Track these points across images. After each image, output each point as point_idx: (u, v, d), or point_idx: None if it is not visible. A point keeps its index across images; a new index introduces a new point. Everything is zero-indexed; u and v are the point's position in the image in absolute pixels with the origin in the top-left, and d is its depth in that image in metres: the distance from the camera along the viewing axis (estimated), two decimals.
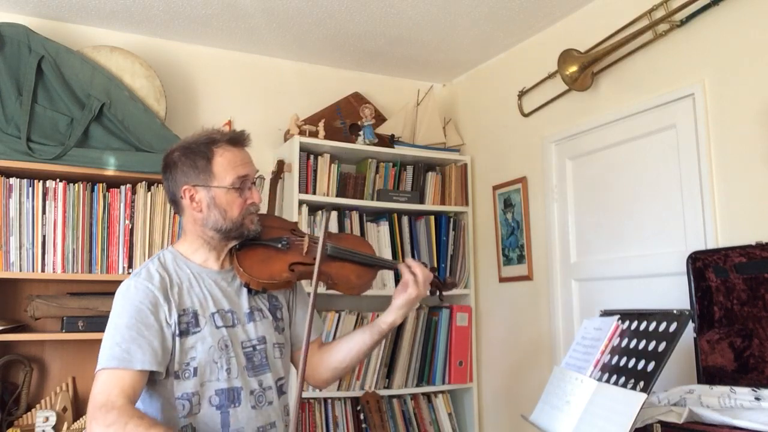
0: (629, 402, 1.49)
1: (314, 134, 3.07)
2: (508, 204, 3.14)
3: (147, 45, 3.02)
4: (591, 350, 1.79)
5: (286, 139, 3.14)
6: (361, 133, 3.18)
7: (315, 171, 3.05)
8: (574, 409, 1.67)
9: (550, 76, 2.88)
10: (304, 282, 1.83)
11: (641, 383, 1.51)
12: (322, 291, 1.79)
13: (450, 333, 3.21)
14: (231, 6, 2.75)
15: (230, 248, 1.67)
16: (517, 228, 3.07)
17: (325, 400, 2.97)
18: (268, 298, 1.71)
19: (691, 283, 2.09)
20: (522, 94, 3.07)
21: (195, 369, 1.51)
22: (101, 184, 2.65)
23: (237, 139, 1.63)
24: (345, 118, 3.30)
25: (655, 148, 2.42)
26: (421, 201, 3.29)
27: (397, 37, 3.07)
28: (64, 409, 2.55)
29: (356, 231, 3.12)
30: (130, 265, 2.65)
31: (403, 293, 1.71)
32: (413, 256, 3.21)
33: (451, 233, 3.32)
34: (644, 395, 1.47)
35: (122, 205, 2.67)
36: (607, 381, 1.64)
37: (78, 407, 2.63)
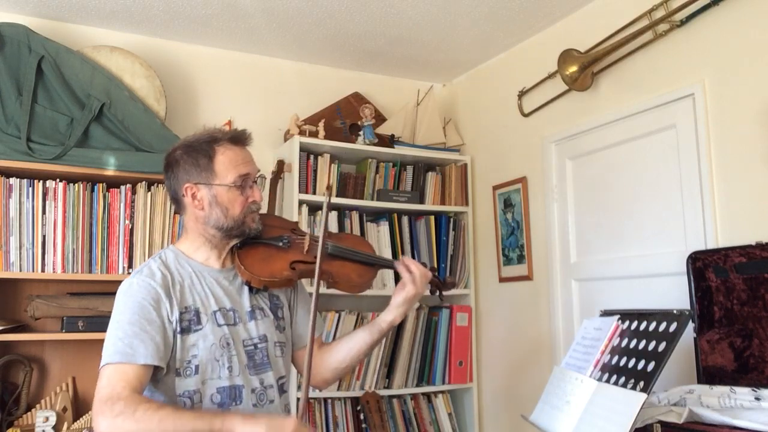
0: (629, 402, 1.49)
1: (314, 134, 3.07)
2: (508, 204, 3.14)
3: (147, 45, 3.02)
4: (591, 350, 1.79)
5: (286, 139, 3.14)
6: (361, 133, 3.18)
7: (315, 171, 3.05)
8: (574, 409, 1.67)
9: (550, 76, 2.88)
10: (304, 281, 1.84)
11: (641, 383, 1.51)
12: (322, 290, 1.80)
13: (450, 333, 3.21)
14: (231, 6, 2.75)
15: (231, 247, 1.67)
16: (517, 228, 3.07)
17: (325, 400, 2.97)
18: (270, 297, 1.72)
19: (691, 283, 2.09)
20: (522, 94, 3.07)
21: (196, 366, 1.52)
22: (101, 184, 2.65)
23: (239, 138, 1.65)
24: (345, 118, 3.30)
25: (655, 148, 2.42)
26: (421, 201, 3.29)
27: (397, 37, 3.07)
28: (64, 409, 2.55)
29: (356, 231, 3.13)
30: (130, 265, 2.65)
31: (401, 291, 1.72)
32: (413, 256, 3.21)
33: (451, 233, 3.32)
34: (644, 395, 1.47)
35: (122, 205, 2.67)
36: (607, 381, 1.64)
37: (78, 407, 2.63)
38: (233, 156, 1.61)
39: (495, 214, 3.21)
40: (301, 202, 2.96)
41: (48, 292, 2.65)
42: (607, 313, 1.89)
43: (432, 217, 3.30)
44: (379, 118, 3.35)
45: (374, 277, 1.82)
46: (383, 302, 1.84)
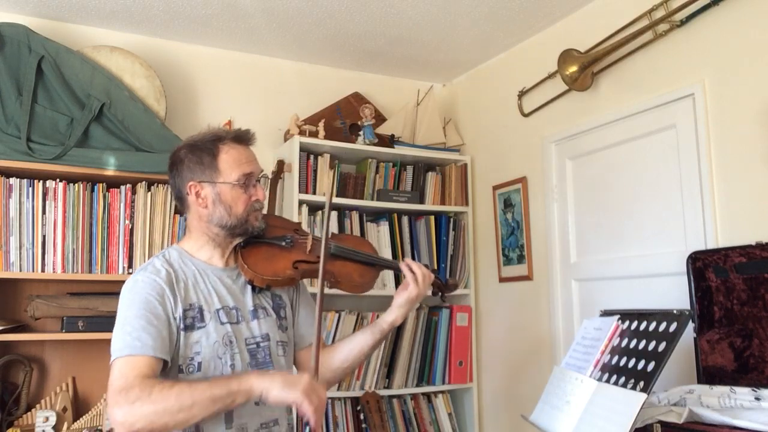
0: (629, 402, 1.49)
1: (314, 134, 3.07)
2: (508, 204, 3.14)
3: (147, 45, 3.02)
4: (591, 350, 1.79)
5: (286, 139, 3.14)
6: (361, 133, 3.18)
7: (315, 171, 3.05)
8: (574, 409, 1.68)
9: (550, 76, 2.88)
10: (306, 282, 1.84)
11: (641, 383, 1.51)
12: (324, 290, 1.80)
13: (450, 333, 3.21)
14: (231, 6, 2.75)
15: (235, 246, 1.68)
16: (517, 228, 3.07)
17: None
18: (272, 297, 1.72)
19: (691, 283, 2.09)
20: (522, 94, 3.07)
21: (199, 364, 1.53)
22: (101, 184, 2.65)
23: (242, 137, 1.66)
24: (345, 118, 3.30)
25: (655, 148, 2.42)
26: (421, 201, 3.29)
27: (397, 37, 3.07)
28: (64, 409, 2.55)
29: (356, 231, 3.13)
30: (130, 265, 2.65)
31: (403, 292, 1.73)
32: (413, 257, 3.22)
33: (451, 233, 3.32)
34: (644, 395, 1.47)
35: (122, 205, 2.67)
36: (607, 381, 1.64)
37: (78, 407, 2.63)
38: (237, 155, 1.62)
39: (495, 214, 3.22)
40: (301, 202, 2.96)
41: (48, 292, 2.65)
42: (607, 313, 1.90)
43: (432, 217, 3.30)
44: (379, 118, 3.35)
45: (376, 278, 1.83)
46: (383, 302, 1.85)
